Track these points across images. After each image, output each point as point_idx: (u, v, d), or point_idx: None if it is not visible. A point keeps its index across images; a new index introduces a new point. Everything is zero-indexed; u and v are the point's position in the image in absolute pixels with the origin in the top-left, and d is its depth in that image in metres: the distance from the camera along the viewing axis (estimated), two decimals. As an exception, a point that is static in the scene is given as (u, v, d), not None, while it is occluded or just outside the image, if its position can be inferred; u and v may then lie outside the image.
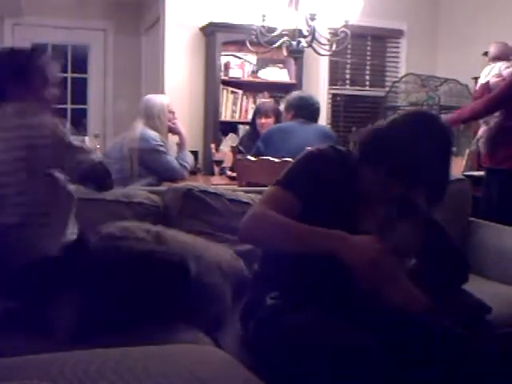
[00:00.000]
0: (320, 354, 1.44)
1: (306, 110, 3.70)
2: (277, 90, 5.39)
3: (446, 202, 2.56)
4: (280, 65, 5.41)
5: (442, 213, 2.53)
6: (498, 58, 3.86)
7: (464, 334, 1.61)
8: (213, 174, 4.36)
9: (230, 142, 4.88)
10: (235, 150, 4.18)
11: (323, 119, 5.25)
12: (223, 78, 5.20)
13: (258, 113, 4.33)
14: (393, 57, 6.11)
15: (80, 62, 6.68)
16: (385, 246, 1.54)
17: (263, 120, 4.23)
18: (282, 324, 1.58)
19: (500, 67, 3.78)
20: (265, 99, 5.33)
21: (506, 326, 2.03)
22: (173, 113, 3.69)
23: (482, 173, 4.04)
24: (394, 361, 1.49)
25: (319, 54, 4.00)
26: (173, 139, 3.89)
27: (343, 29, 3.64)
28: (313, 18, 3.62)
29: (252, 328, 1.71)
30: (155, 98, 3.73)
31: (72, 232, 1.98)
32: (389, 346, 1.49)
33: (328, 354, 1.43)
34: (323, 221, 1.59)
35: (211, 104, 5.20)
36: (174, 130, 3.74)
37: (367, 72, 6.15)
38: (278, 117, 4.16)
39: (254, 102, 5.34)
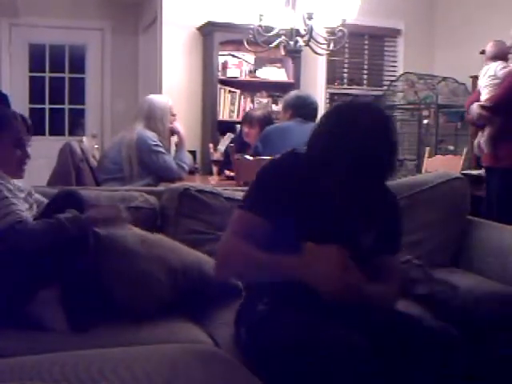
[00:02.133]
0: (311, 354, 1.44)
1: (304, 109, 3.70)
2: (274, 89, 5.39)
3: (445, 201, 2.58)
4: (278, 64, 5.41)
5: (441, 212, 2.54)
6: (495, 57, 3.84)
7: (454, 331, 1.62)
8: (211, 173, 4.35)
9: (227, 141, 4.87)
10: (233, 149, 4.17)
11: (321, 118, 5.24)
12: (221, 77, 5.20)
13: (244, 120, 4.34)
14: (390, 56, 6.11)
15: (77, 62, 6.67)
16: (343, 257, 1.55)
17: (246, 129, 4.22)
18: (271, 327, 1.58)
19: (496, 68, 3.77)
20: (262, 98, 5.34)
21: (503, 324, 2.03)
22: (174, 115, 3.68)
23: (480, 171, 4.05)
24: (385, 359, 1.48)
25: (317, 53, 3.99)
26: (171, 139, 3.88)
27: (340, 28, 3.63)
28: (310, 17, 3.61)
29: (244, 334, 1.70)
30: (159, 100, 3.68)
31: None
32: (379, 344, 1.50)
33: (319, 354, 1.43)
34: (299, 230, 1.60)
35: (209, 104, 5.20)
36: (172, 130, 3.73)
37: (365, 71, 6.15)
38: (263, 126, 4.03)
39: (252, 102, 5.34)
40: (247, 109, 5.26)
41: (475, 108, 3.65)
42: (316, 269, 1.53)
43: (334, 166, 1.59)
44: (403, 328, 1.59)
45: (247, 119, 4.27)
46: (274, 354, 1.53)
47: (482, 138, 3.73)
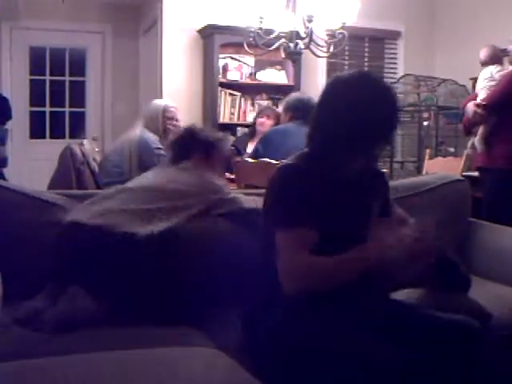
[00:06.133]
0: (339, 362, 1.46)
1: (304, 111, 3.69)
2: (275, 91, 5.39)
3: (446, 203, 2.58)
4: (278, 67, 5.42)
5: (442, 213, 2.54)
6: (490, 62, 3.86)
7: (476, 324, 1.65)
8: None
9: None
10: (234, 152, 4.18)
11: (321, 121, 5.25)
12: (221, 80, 5.20)
13: (261, 111, 4.45)
14: (390, 58, 6.12)
15: (78, 65, 6.68)
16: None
17: (263, 119, 4.33)
18: (297, 333, 1.58)
19: (492, 71, 3.78)
20: (263, 101, 5.35)
21: (508, 328, 2.02)
22: (171, 118, 3.68)
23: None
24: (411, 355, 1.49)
25: (317, 55, 3.99)
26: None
27: (341, 30, 3.64)
28: (310, 20, 3.61)
29: (262, 338, 1.65)
30: (154, 101, 3.76)
31: None
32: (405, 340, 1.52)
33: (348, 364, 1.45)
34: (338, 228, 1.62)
35: (209, 106, 5.20)
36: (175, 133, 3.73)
37: (365, 73, 6.15)
38: (278, 122, 4.24)
39: (253, 104, 5.35)
40: (247, 111, 5.28)
41: (471, 106, 3.67)
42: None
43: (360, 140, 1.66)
44: (426, 322, 1.61)
45: (266, 110, 4.44)
46: (299, 361, 1.52)
47: (477, 138, 3.75)
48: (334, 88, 1.76)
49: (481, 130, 3.65)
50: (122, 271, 1.90)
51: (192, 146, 2.38)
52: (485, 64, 3.89)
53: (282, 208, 1.63)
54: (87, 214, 2.01)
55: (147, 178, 2.27)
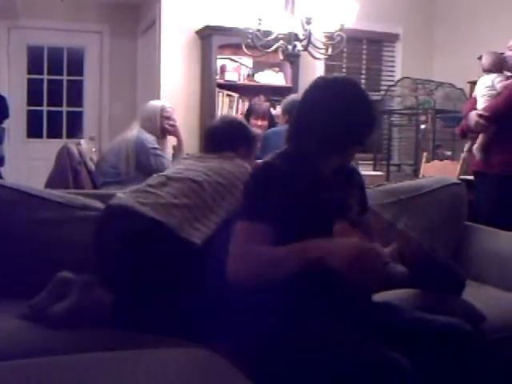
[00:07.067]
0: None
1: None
2: (273, 93, 5.39)
3: (443, 206, 2.58)
4: (276, 68, 5.42)
5: (439, 217, 2.55)
6: (492, 70, 3.86)
7: (467, 327, 1.64)
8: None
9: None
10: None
11: (319, 123, 5.25)
12: (219, 81, 5.20)
13: (253, 114, 4.34)
14: (388, 61, 6.13)
15: (76, 65, 6.68)
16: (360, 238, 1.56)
17: (259, 122, 4.24)
18: (289, 335, 1.57)
19: (493, 80, 3.78)
20: (260, 102, 5.33)
21: (502, 331, 2.02)
22: (168, 118, 3.68)
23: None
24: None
25: (315, 57, 4.00)
26: (170, 141, 3.88)
27: (339, 32, 3.64)
28: (308, 22, 3.62)
29: (256, 338, 1.65)
30: (151, 102, 3.75)
31: None
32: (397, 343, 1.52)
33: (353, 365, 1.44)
34: (302, 231, 1.58)
35: (207, 107, 5.20)
36: (172, 133, 3.73)
37: (363, 76, 6.16)
38: (271, 119, 4.19)
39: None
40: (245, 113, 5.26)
41: (473, 116, 3.68)
42: (344, 249, 1.49)
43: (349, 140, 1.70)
44: (418, 326, 1.61)
45: (259, 113, 4.27)
46: (294, 362, 1.51)
47: (475, 145, 3.76)
48: (315, 89, 1.80)
49: (480, 138, 3.66)
50: (156, 271, 1.85)
51: (241, 138, 2.36)
52: (487, 71, 3.88)
53: (248, 202, 1.67)
54: (138, 202, 1.96)
55: (189, 166, 2.19)
